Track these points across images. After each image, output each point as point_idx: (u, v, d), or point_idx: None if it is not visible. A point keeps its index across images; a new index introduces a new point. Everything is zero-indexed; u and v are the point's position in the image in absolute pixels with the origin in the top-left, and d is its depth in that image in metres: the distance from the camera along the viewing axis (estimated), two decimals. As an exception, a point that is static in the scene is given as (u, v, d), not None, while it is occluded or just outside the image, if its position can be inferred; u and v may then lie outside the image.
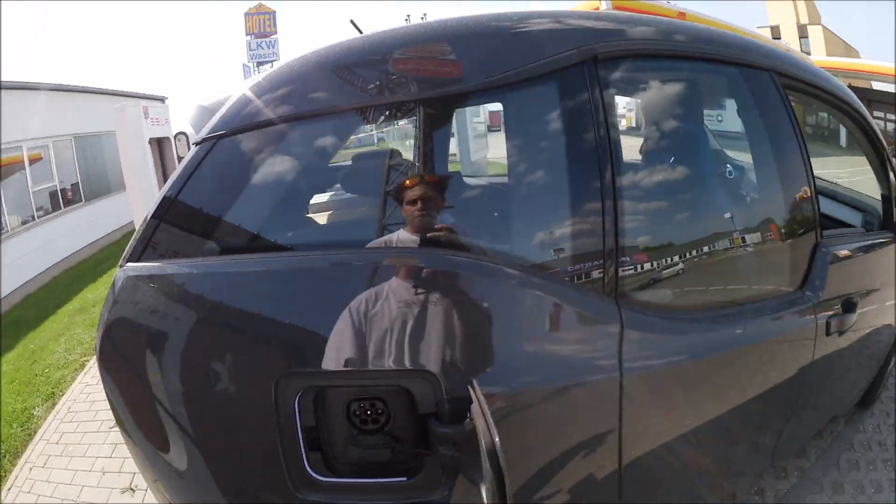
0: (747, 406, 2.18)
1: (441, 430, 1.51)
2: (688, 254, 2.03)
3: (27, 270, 14.10)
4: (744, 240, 2.21)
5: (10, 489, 4.60)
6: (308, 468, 1.59)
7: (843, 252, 2.61)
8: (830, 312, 2.43)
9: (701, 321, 1.98)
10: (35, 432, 5.55)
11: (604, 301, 1.73)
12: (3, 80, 13.84)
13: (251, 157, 1.72)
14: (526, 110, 1.85)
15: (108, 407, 4.71)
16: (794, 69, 2.46)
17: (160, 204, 1.71)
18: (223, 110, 1.76)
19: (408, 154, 2.27)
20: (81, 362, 7.15)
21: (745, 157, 2.53)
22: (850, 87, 2.93)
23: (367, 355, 1.53)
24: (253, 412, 1.57)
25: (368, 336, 1.54)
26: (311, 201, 1.98)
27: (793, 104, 2.40)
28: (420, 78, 1.74)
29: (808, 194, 2.37)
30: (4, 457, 5.20)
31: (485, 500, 1.36)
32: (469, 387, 1.49)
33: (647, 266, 1.89)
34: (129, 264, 1.73)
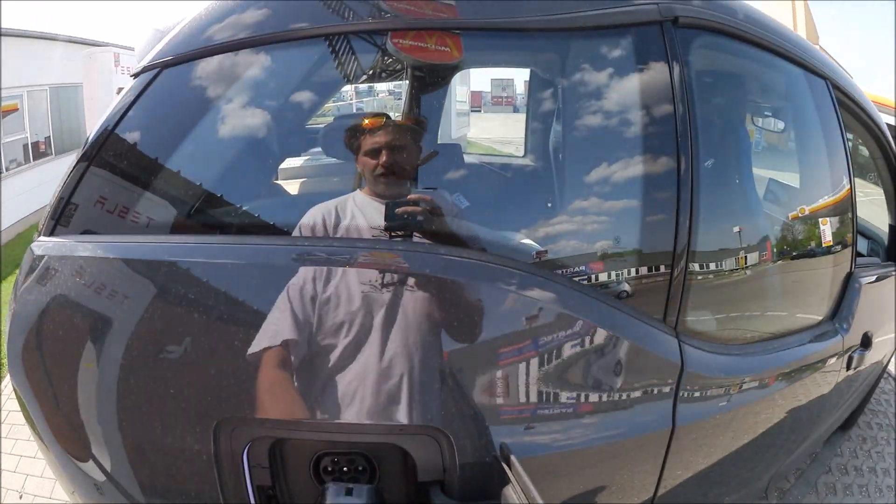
0: (769, 440, 1.97)
1: None
2: (749, 274, 1.75)
3: (-6, 224, 13.81)
4: (789, 263, 2.00)
5: None
6: None
7: (869, 283, 2.38)
8: (853, 347, 2.26)
9: (753, 355, 1.73)
10: None
11: (663, 333, 1.41)
12: None
13: (205, 92, 1.37)
14: (586, 69, 1.50)
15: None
16: (845, 83, 2.26)
17: (81, 158, 1.35)
18: (173, 33, 1.41)
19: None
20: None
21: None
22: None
23: (343, 401, 1.17)
24: (186, 461, 1.23)
25: (345, 375, 1.17)
26: (282, 166, 1.63)
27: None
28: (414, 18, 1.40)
29: (850, 216, 2.16)
30: None
31: None
32: (502, 461, 1.18)
33: (714, 288, 1.60)
34: (41, 239, 1.38)
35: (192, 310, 1.22)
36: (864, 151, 2.95)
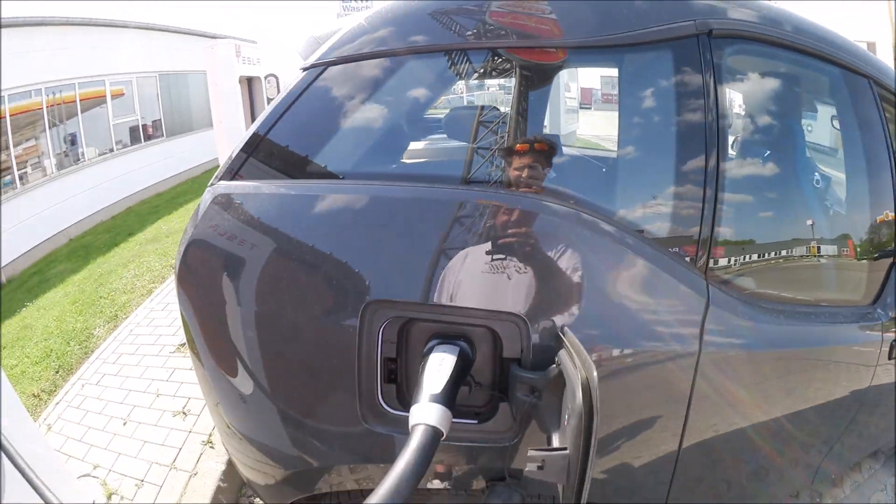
0: (804, 410, 2.17)
1: (524, 375, 1.52)
2: (774, 247, 2.04)
3: (101, 200, 14.67)
4: (827, 246, 2.21)
5: (57, 403, 4.75)
6: (381, 400, 1.63)
7: None
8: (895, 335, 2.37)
9: (779, 314, 1.96)
10: (92, 351, 5.71)
11: (695, 276, 1.74)
12: (92, 17, 14.86)
13: (356, 86, 1.76)
14: (638, 75, 1.84)
15: (171, 333, 4.77)
16: (889, 80, 2.39)
17: (262, 124, 1.75)
18: (333, 40, 1.80)
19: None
20: (149, 288, 7.31)
21: (830, 166, 2.51)
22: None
23: (458, 292, 1.55)
24: (335, 337, 1.60)
25: (462, 273, 1.56)
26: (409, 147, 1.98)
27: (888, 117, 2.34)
28: (518, 31, 1.74)
29: (894, 209, 2.32)
30: (57, 372, 5.40)
31: (559, 443, 1.38)
32: (560, 333, 1.52)
33: (738, 252, 1.89)
34: (222, 182, 1.77)
35: (355, 226, 1.63)
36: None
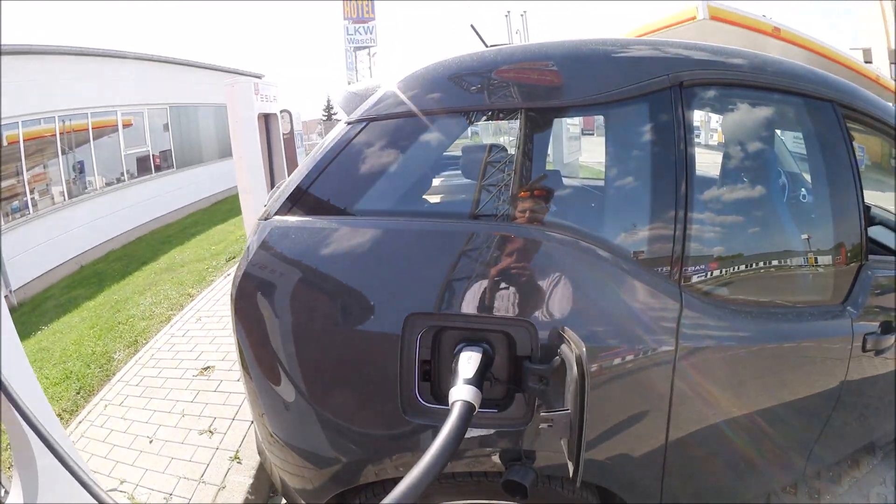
0: (783, 404, 2.43)
1: (534, 367, 1.83)
2: (743, 257, 2.32)
3: (112, 228, 14.93)
4: (795, 252, 2.49)
5: (80, 422, 4.85)
6: (418, 395, 1.93)
7: (887, 276, 2.71)
8: (868, 330, 2.57)
9: (747, 314, 2.23)
10: (113, 374, 5.84)
11: (670, 285, 2.05)
12: (106, 48, 15.20)
13: (392, 138, 2.06)
14: (621, 126, 2.15)
15: (193, 358, 5.01)
16: (854, 100, 2.61)
17: (312, 170, 2.07)
18: (374, 99, 2.11)
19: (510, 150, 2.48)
20: (168, 316, 7.47)
21: (801, 182, 2.92)
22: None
23: (481, 304, 1.88)
24: (381, 345, 1.90)
25: (483, 290, 1.89)
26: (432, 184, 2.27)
27: (852, 133, 2.57)
28: (524, 89, 2.07)
29: (857, 217, 2.54)
30: (78, 393, 5.50)
31: (566, 405, 1.66)
32: (560, 331, 1.83)
33: (707, 263, 2.18)
34: (277, 217, 2.06)
35: (398, 254, 1.95)
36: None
